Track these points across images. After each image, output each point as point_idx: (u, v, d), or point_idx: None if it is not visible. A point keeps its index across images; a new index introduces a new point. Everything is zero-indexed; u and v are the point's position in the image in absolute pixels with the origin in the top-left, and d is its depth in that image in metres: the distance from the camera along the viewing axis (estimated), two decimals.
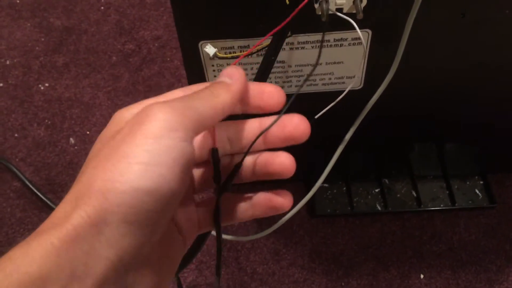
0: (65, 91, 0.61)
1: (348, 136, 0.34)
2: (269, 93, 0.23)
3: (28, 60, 0.64)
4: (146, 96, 0.59)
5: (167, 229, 0.21)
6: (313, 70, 0.30)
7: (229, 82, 0.21)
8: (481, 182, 0.50)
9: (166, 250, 0.21)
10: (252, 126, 0.24)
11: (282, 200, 0.23)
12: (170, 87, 0.60)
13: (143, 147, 0.18)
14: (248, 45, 0.34)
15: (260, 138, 0.23)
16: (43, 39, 0.67)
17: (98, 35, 0.67)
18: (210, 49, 0.32)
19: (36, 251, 0.16)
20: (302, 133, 0.23)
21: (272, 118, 0.23)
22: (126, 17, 0.69)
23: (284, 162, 0.23)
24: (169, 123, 0.18)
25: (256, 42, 0.34)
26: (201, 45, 0.34)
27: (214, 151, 0.22)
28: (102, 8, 0.70)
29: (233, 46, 0.35)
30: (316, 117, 0.29)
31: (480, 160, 0.50)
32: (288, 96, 0.23)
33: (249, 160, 0.23)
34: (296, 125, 0.23)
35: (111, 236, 0.17)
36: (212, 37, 0.34)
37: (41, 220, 0.49)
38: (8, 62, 0.64)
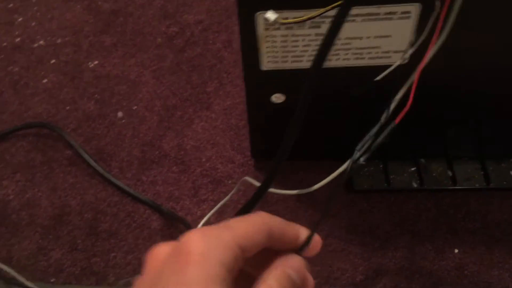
0: (113, 69, 0.64)
1: (392, 107, 0.36)
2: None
3: (78, 39, 0.68)
4: (189, 76, 0.62)
5: None
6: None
7: None
8: None
9: None
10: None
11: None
12: (212, 68, 0.63)
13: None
14: (303, 16, 0.36)
15: None
16: (91, 21, 0.70)
17: (143, 18, 0.70)
18: (271, 15, 0.34)
19: None
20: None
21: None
22: (170, 2, 0.72)
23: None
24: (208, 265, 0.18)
25: (311, 13, 0.36)
26: (258, 15, 0.36)
27: None
28: None
29: (288, 18, 0.37)
30: (375, 79, 0.31)
31: None
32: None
33: None
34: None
35: None
36: (269, 7, 0.36)
37: (92, 185, 0.53)
38: (59, 41, 0.67)
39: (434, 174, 0.51)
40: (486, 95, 0.45)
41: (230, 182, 0.52)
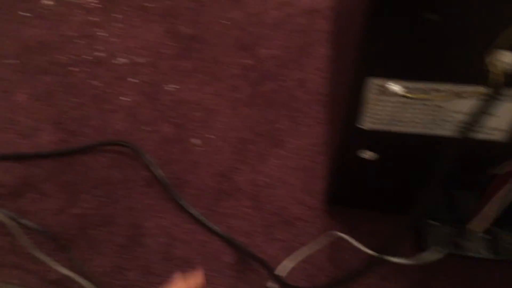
0: (190, 95, 0.66)
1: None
2: None
3: (157, 61, 0.70)
4: (263, 110, 0.64)
5: None
6: None
7: None
8: None
9: None
10: None
11: None
12: (286, 105, 0.65)
13: None
14: (422, 88, 0.38)
15: None
16: (170, 44, 0.72)
17: (220, 46, 0.72)
18: (395, 87, 0.35)
19: None
20: None
21: None
22: (246, 34, 0.74)
23: None
24: None
25: (428, 86, 0.37)
26: (371, 81, 0.38)
27: None
28: (224, 21, 0.76)
29: (402, 87, 0.38)
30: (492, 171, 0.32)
31: None
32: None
33: None
34: None
35: None
36: (383, 75, 0.37)
37: (167, 209, 0.54)
38: (139, 60, 0.70)
39: (506, 244, 0.52)
40: None
41: (300, 224, 0.53)
